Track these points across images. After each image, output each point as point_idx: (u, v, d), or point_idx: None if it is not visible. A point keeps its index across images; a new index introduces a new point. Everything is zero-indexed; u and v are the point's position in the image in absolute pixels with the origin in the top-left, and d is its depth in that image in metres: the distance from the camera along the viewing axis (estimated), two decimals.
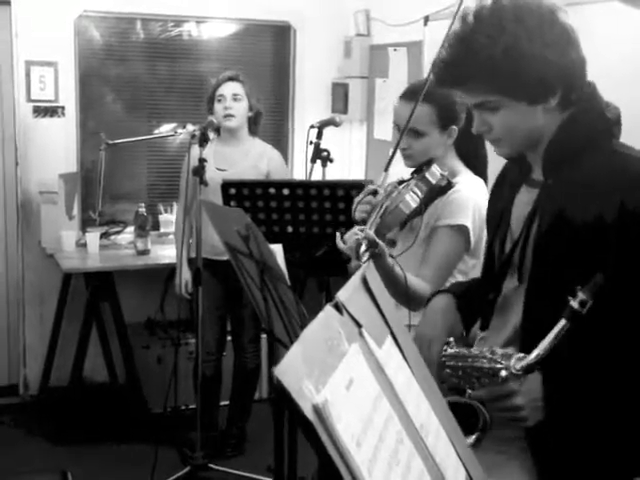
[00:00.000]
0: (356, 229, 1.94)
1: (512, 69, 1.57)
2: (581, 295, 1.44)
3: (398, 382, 1.13)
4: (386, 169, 2.00)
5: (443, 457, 1.17)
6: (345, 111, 4.91)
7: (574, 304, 1.44)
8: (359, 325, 1.12)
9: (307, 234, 2.96)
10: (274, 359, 4.80)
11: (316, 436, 0.86)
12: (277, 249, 2.15)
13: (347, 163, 5.07)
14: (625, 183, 1.56)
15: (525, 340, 1.66)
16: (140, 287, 4.74)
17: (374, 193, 2.02)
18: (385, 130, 4.75)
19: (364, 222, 1.96)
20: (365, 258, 1.87)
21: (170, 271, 4.40)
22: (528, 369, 1.50)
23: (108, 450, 4.15)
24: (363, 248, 1.88)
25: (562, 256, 1.61)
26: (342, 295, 1.12)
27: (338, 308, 1.09)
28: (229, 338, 4.27)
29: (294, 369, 0.88)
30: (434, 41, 4.09)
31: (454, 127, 2.37)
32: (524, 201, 1.73)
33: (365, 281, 1.22)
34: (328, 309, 1.06)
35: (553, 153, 1.67)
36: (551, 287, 1.64)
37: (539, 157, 1.70)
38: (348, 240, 1.95)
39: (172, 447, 4.00)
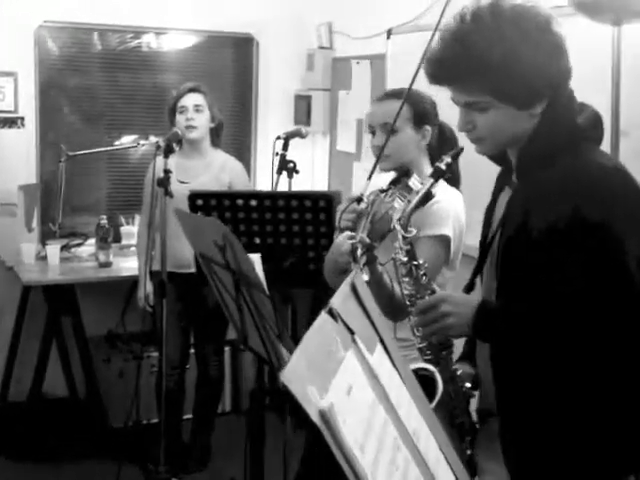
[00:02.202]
0: (342, 236, 1.96)
1: (507, 74, 1.59)
2: (445, 158, 1.75)
3: (390, 388, 1.14)
4: (369, 177, 2.01)
5: (434, 462, 1.18)
6: (308, 123, 4.91)
7: (440, 165, 1.75)
8: (352, 332, 1.12)
9: (274, 245, 2.96)
10: (237, 371, 4.77)
11: (322, 440, 0.86)
12: (255, 258, 2.15)
13: (310, 174, 5.08)
14: (578, 191, 1.58)
15: None
16: (101, 300, 4.68)
17: (358, 201, 2.04)
18: (348, 142, 4.77)
19: (349, 230, 1.98)
20: (363, 262, 1.90)
21: (132, 284, 4.35)
22: (404, 219, 1.77)
23: (69, 466, 4.07)
24: (360, 252, 1.90)
25: (522, 260, 1.64)
26: (335, 302, 1.12)
27: (332, 315, 1.09)
28: (192, 351, 4.24)
29: (299, 375, 0.88)
30: (397, 54, 4.13)
31: (428, 127, 2.39)
32: (504, 202, 1.76)
33: (354, 289, 1.22)
34: (324, 316, 1.06)
35: (524, 158, 1.70)
36: (515, 289, 1.68)
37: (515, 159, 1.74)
38: (342, 246, 1.96)
39: (135, 462, 3.94)
